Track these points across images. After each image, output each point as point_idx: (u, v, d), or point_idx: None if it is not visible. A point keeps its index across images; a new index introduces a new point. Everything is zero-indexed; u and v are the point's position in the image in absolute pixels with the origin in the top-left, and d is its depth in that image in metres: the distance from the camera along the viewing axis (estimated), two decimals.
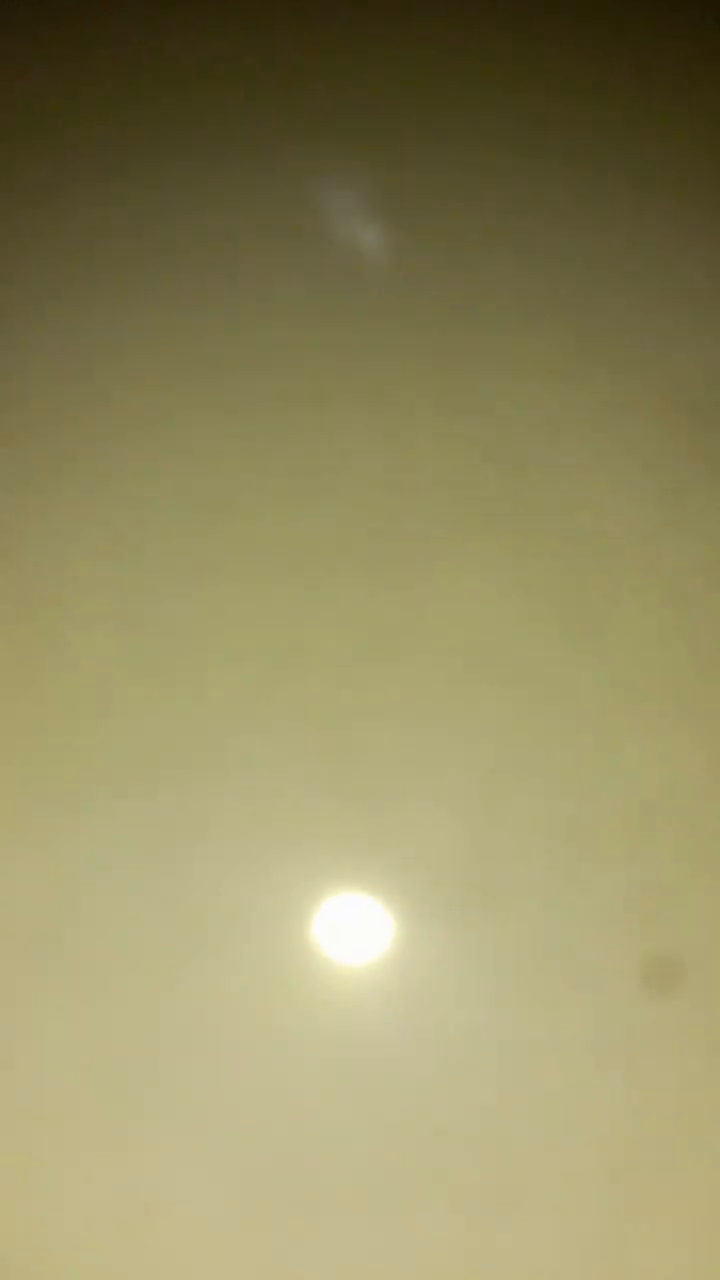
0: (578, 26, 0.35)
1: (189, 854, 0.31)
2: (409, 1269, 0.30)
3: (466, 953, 0.30)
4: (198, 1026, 0.30)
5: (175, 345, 0.32)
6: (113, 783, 0.31)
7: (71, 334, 0.33)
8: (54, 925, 0.30)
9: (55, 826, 0.31)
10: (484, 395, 0.33)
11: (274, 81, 0.34)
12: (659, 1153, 0.30)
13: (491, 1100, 0.30)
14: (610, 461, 0.33)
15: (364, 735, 0.31)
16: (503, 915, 0.31)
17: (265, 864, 0.31)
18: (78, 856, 0.31)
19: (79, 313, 0.33)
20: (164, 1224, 0.29)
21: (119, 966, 0.30)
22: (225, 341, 0.32)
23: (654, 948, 0.31)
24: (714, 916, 0.31)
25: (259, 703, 0.31)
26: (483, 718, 0.31)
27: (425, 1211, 0.30)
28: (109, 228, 0.33)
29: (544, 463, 0.33)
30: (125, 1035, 0.30)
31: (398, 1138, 0.30)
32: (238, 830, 0.31)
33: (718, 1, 0.35)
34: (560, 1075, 0.30)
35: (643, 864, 0.31)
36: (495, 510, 0.32)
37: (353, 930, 0.31)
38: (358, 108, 0.33)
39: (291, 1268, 0.30)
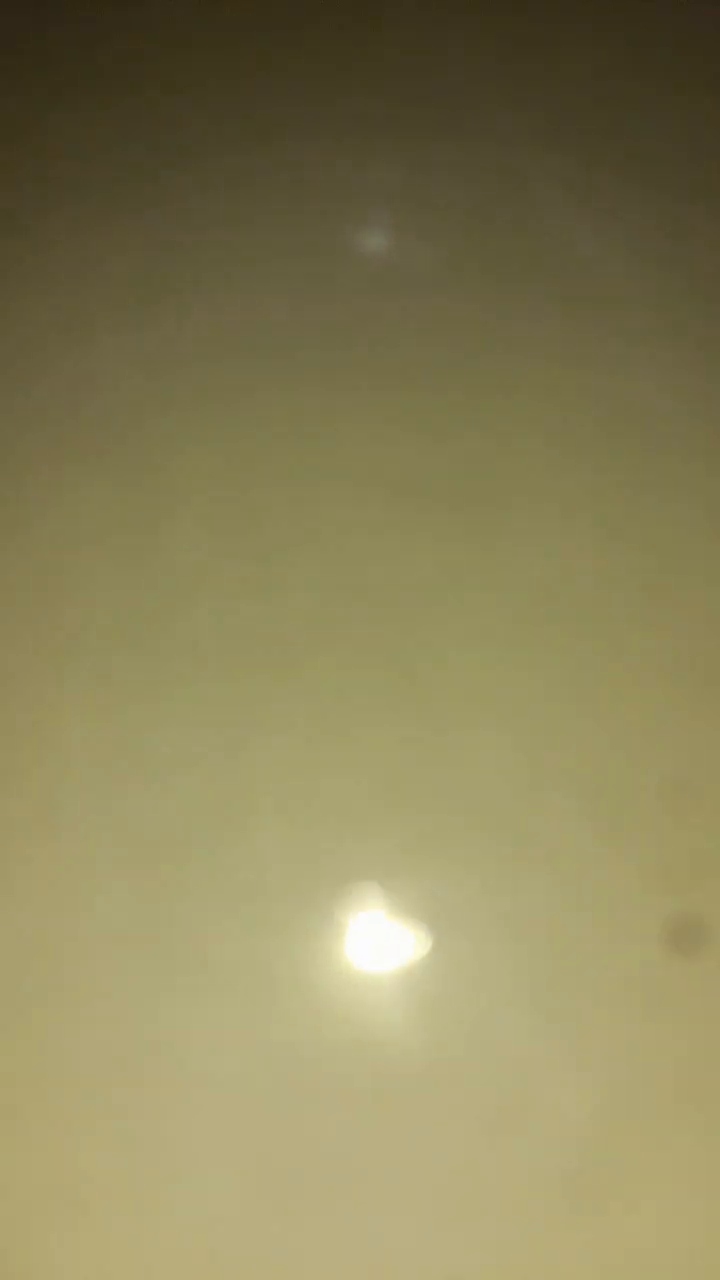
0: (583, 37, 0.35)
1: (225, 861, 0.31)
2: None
3: (498, 904, 0.31)
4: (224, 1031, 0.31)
5: (172, 368, 0.33)
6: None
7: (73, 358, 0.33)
8: (73, 920, 0.31)
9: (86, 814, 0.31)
10: (490, 410, 0.33)
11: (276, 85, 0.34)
12: (661, 1107, 0.31)
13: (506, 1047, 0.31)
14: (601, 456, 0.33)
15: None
16: (540, 870, 0.31)
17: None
18: (105, 852, 0.31)
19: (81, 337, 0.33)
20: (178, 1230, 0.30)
21: (139, 961, 0.31)
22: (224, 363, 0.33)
23: (680, 912, 0.31)
24: None
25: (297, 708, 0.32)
26: (530, 685, 0.32)
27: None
28: (108, 253, 0.33)
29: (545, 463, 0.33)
30: (145, 1032, 0.31)
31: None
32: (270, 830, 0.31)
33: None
34: (577, 1021, 0.31)
35: (676, 834, 0.32)
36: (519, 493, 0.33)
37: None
38: (362, 114, 0.34)
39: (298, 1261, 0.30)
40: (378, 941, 0.31)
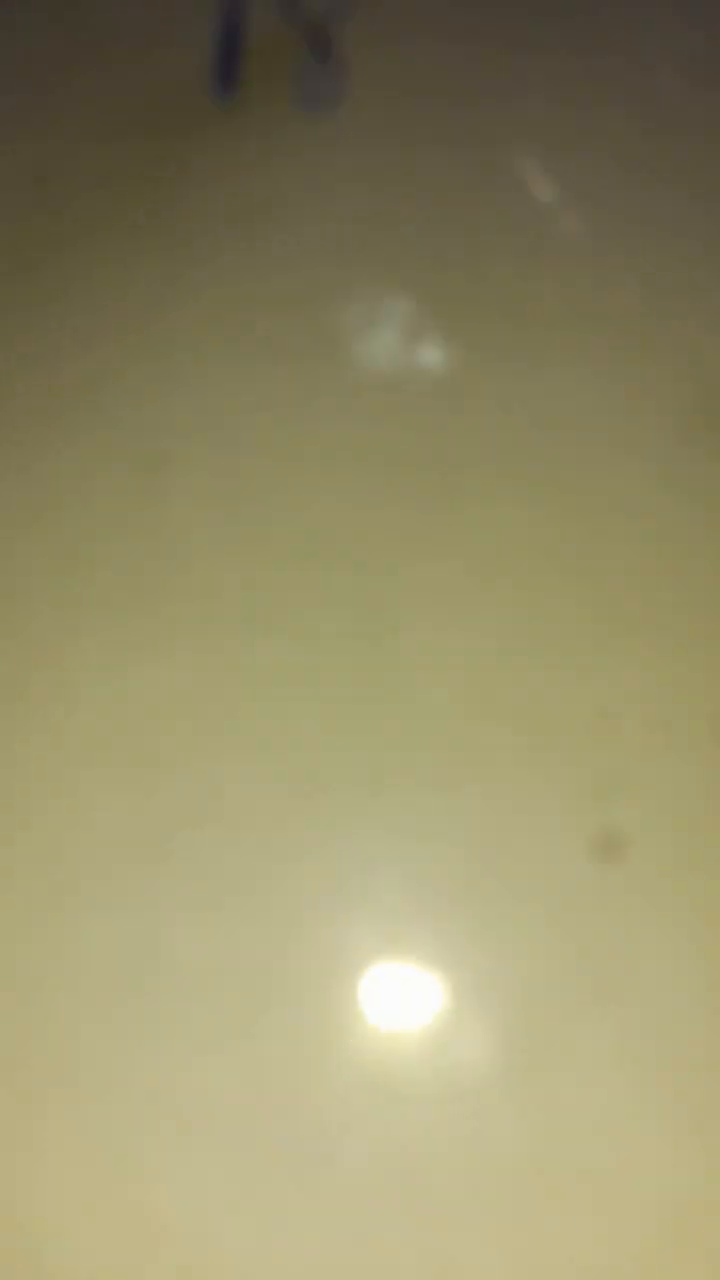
0: None
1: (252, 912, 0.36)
2: None
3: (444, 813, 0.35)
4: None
5: None
6: (213, 824, 0.36)
7: None
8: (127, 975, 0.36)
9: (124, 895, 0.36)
10: (509, 380, 0.38)
11: None
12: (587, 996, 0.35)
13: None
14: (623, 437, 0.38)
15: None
16: (481, 790, 0.36)
17: None
18: (180, 903, 0.35)
19: None
20: None
21: (215, 1001, 0.35)
22: None
23: (603, 825, 0.35)
24: (656, 803, 0.36)
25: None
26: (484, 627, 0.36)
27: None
28: None
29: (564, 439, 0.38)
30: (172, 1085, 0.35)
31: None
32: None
33: None
34: (510, 923, 0.35)
35: (598, 757, 0.36)
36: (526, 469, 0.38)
37: None
38: None
39: None
40: (334, 849, 0.36)
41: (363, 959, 0.35)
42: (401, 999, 0.35)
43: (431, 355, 0.38)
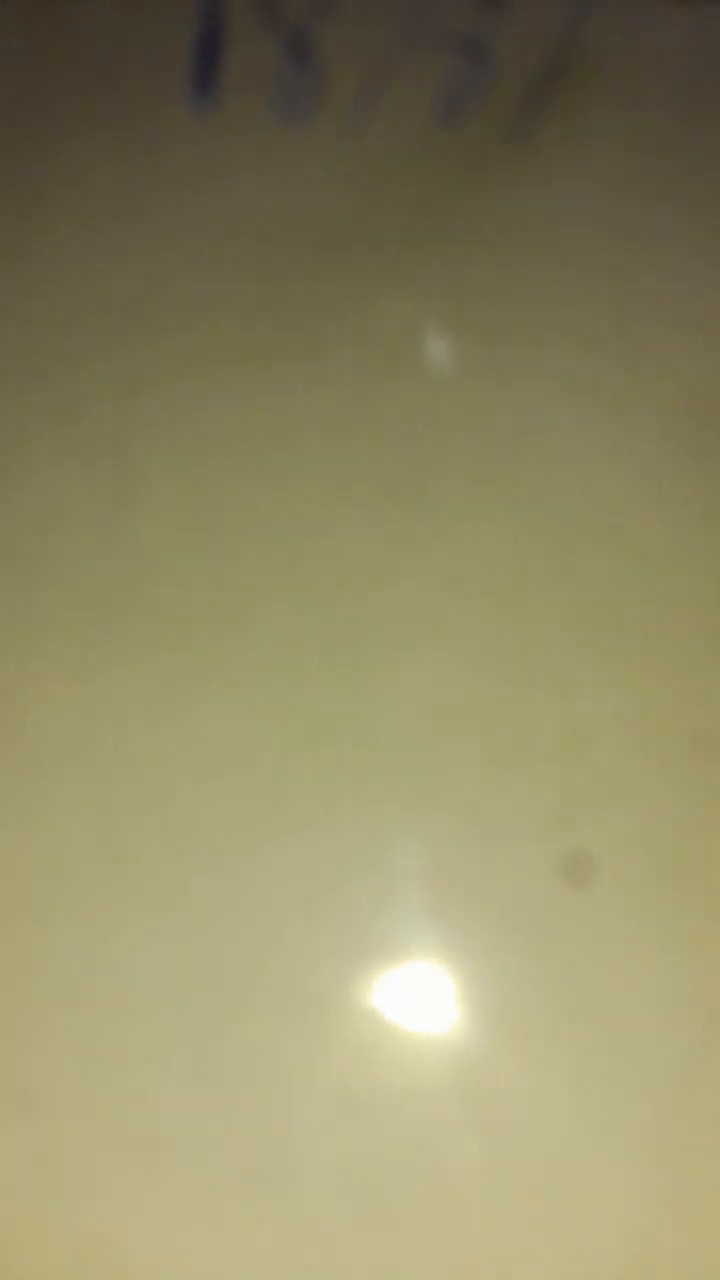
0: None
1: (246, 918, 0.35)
2: None
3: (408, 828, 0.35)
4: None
5: None
6: (175, 839, 0.35)
7: None
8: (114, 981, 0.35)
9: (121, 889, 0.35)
10: (502, 401, 0.37)
11: None
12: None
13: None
14: (610, 445, 0.37)
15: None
16: (448, 807, 0.35)
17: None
18: (142, 920, 0.35)
19: None
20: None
21: (178, 1020, 0.34)
22: None
23: (573, 846, 0.35)
24: (627, 824, 0.35)
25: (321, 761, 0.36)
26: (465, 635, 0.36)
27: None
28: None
29: (549, 447, 0.37)
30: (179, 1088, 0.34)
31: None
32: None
33: None
34: (477, 942, 0.34)
35: (570, 776, 0.35)
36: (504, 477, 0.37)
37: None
38: None
39: None
40: (300, 866, 0.35)
41: (327, 976, 0.34)
42: (365, 1016, 0.34)
43: (409, 370, 0.37)
